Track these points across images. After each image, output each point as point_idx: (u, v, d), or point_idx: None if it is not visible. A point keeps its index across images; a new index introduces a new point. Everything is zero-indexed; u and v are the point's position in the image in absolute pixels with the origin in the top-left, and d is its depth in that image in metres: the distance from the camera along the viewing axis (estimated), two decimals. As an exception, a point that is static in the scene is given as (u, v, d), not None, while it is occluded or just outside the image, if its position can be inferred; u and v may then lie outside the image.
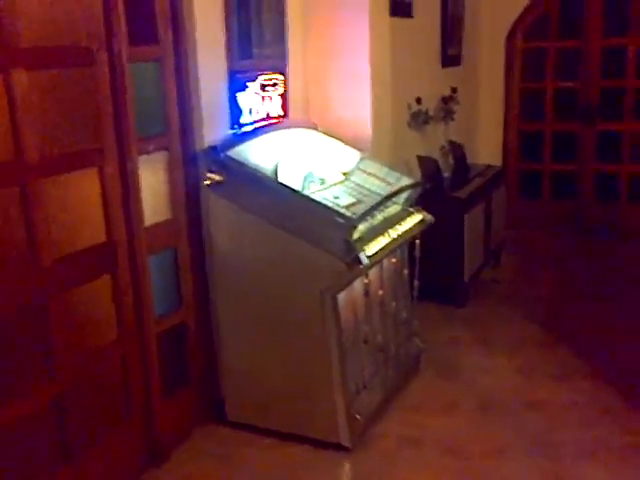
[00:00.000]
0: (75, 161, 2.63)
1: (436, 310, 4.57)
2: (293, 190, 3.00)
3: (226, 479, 2.97)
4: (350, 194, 3.33)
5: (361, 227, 3.01)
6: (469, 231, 4.55)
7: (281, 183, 3.02)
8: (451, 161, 5.16)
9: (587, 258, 5.63)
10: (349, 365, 3.06)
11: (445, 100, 5.18)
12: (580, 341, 4.07)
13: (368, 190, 3.39)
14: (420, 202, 3.56)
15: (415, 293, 3.64)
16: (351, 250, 2.84)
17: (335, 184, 3.40)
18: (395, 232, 3.22)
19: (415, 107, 4.77)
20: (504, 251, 5.52)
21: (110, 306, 2.83)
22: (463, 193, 4.64)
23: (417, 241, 3.51)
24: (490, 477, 2.89)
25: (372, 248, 2.98)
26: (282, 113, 3.64)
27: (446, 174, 4.90)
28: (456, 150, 5.14)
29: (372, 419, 3.25)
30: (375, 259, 2.99)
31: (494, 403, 3.44)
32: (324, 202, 3.03)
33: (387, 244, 3.12)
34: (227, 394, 3.33)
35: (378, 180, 3.48)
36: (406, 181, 3.46)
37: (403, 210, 3.45)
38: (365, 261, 2.85)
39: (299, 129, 3.62)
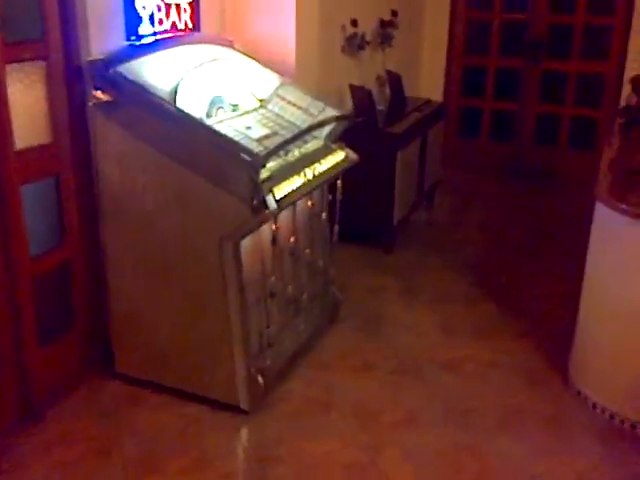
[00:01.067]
0: None
1: (361, 255, 4.26)
2: (191, 117, 2.55)
3: (108, 441, 2.64)
4: (265, 125, 2.93)
5: (273, 164, 2.60)
6: (401, 170, 4.22)
7: (178, 108, 2.56)
8: (387, 93, 4.75)
9: (522, 204, 5.38)
10: (252, 321, 2.73)
11: (384, 24, 4.71)
12: (508, 297, 3.83)
13: (286, 121, 3.00)
14: (350, 137, 3.15)
15: (335, 238, 3.30)
16: (257, 192, 2.44)
17: (249, 112, 3.00)
18: (313, 171, 2.82)
19: (350, 30, 4.31)
20: (438, 192, 5.22)
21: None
22: (398, 128, 4.29)
23: (339, 182, 3.13)
24: (399, 448, 2.63)
25: (283, 190, 2.57)
26: (192, 25, 3.15)
27: (381, 107, 4.51)
28: (393, 81, 4.73)
29: (277, 379, 2.94)
30: (286, 202, 2.59)
31: (411, 364, 3.18)
32: (229, 133, 2.61)
33: (302, 185, 2.71)
34: (117, 345, 2.96)
35: (299, 110, 3.08)
36: (331, 112, 3.05)
37: (325, 146, 3.05)
38: (272, 206, 2.45)
39: (211, 45, 3.13)
